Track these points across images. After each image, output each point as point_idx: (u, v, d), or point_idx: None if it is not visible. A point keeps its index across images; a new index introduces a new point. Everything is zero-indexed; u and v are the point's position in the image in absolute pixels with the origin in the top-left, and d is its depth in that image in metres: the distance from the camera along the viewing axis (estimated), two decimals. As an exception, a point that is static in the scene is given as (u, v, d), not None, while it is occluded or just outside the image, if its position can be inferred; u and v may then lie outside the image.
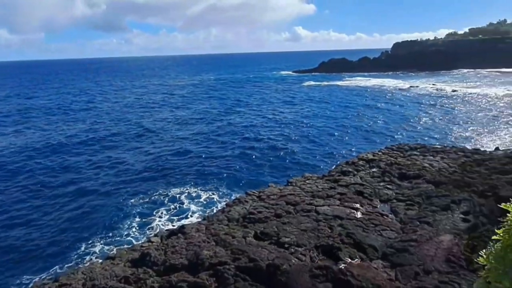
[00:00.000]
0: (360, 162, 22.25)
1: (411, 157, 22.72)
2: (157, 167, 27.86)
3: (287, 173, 25.72)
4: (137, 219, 19.71)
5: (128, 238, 17.89)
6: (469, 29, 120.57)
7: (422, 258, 11.60)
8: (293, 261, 11.69)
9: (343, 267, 11.04)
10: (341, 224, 14.31)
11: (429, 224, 14.01)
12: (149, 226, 18.94)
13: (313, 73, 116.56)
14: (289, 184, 19.90)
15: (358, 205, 16.13)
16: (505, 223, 1.39)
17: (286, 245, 12.87)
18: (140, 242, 16.58)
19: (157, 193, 22.96)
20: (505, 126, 36.59)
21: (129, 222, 19.38)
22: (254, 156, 30.08)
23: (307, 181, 19.87)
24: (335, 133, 37.27)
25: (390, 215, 15.58)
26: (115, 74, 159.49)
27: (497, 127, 36.73)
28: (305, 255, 12.18)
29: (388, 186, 18.47)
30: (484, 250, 1.51)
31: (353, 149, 31.23)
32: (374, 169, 20.98)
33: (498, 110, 45.37)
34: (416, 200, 16.50)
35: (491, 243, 1.50)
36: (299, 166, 27.71)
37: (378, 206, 16.57)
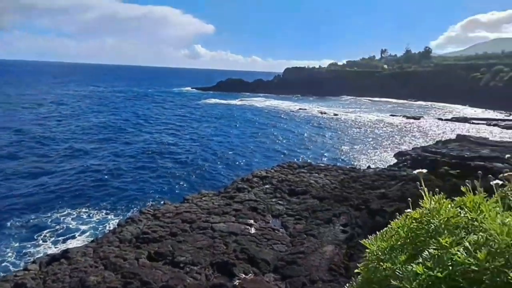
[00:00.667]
0: (255, 179, 23.20)
1: (299, 174, 24.61)
2: (41, 184, 24.53)
3: (184, 190, 25.29)
4: (15, 244, 16.85)
5: (1, 267, 15.15)
6: (347, 61, 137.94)
7: (308, 269, 12.55)
8: (188, 280, 11.46)
9: (237, 283, 11.24)
10: (236, 240, 14.62)
11: (315, 236, 15.29)
12: (28, 252, 16.35)
13: (211, 91, 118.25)
14: (186, 201, 19.58)
15: (252, 221, 16.73)
16: (365, 257, 1.50)
17: (182, 265, 12.57)
18: (15, 271, 14.18)
19: (42, 214, 20.07)
20: (375, 147, 42.43)
21: (3, 248, 16.44)
22: (150, 173, 28.83)
23: (203, 198, 19.85)
24: (232, 150, 38.22)
25: (281, 229, 16.53)
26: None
27: (369, 147, 42.34)
28: (200, 273, 12.06)
29: (279, 201, 19.62)
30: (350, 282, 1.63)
31: (248, 166, 32.40)
32: (267, 186, 22.09)
33: (370, 133, 52.40)
34: (303, 215, 17.87)
35: (353, 277, 1.64)
36: (196, 182, 27.53)
37: (271, 221, 17.44)
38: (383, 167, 29.29)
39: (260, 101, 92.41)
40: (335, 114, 69.98)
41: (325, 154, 39.06)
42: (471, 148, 28.81)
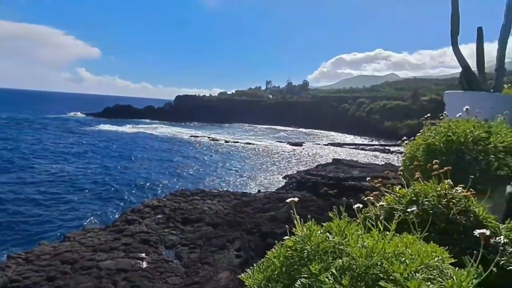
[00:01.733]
0: (146, 209, 22.14)
1: (192, 201, 24.41)
2: None
3: (65, 227, 22.49)
4: None
5: None
6: (235, 91, 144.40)
7: (204, 299, 12.42)
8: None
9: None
10: (126, 277, 13.63)
11: (210, 264, 15.25)
12: None
13: (98, 118, 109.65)
14: (66, 239, 17.50)
15: (143, 255, 15.85)
16: None
17: (60, 314, 11.11)
18: None
19: None
20: (265, 172, 44.78)
21: None
22: (22, 210, 24.88)
23: (88, 234, 18.03)
24: (122, 179, 35.79)
25: (175, 260, 16.03)
26: None
27: (259, 172, 44.46)
28: (83, 321, 10.83)
29: (172, 231, 19.07)
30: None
31: (139, 196, 30.70)
32: (159, 216, 21.29)
33: (260, 158, 55.17)
34: (198, 243, 17.70)
35: None
36: (79, 217, 24.76)
37: (164, 253, 16.79)
38: (272, 191, 31.08)
39: (151, 128, 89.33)
40: (226, 141, 71.84)
41: (217, 180, 39.57)
42: (344, 170, 32.82)
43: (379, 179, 2.26)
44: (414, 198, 1.99)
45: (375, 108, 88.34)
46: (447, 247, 1.47)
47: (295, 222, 1.54)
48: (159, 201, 23.95)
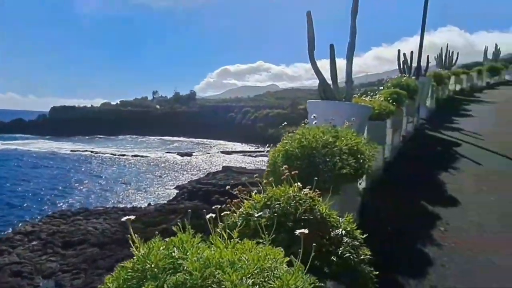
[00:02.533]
0: (17, 237, 19.65)
1: (74, 222, 22.53)
2: None
3: None
4: None
5: None
6: (120, 101, 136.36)
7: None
8: None
9: None
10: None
11: None
12: None
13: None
14: None
15: (16, 289, 14.15)
16: None
17: None
18: None
19: None
20: (156, 184, 43.52)
21: None
22: None
23: None
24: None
25: (56, 289, 14.72)
26: None
27: (149, 185, 43.00)
28: None
29: (51, 258, 17.40)
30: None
31: (8, 222, 26.70)
32: (34, 242, 19.11)
33: (150, 170, 53.32)
34: (82, 267, 16.54)
35: None
36: None
37: (41, 284, 15.25)
38: (164, 202, 30.59)
39: (24, 144, 77.94)
40: (113, 154, 67.44)
41: (105, 196, 36.99)
42: (234, 176, 34.35)
43: (239, 187, 2.47)
44: (268, 203, 2.08)
45: (259, 117, 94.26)
46: (293, 244, 1.60)
47: (131, 241, 1.47)
48: (33, 226, 21.46)
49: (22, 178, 43.42)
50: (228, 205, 2.17)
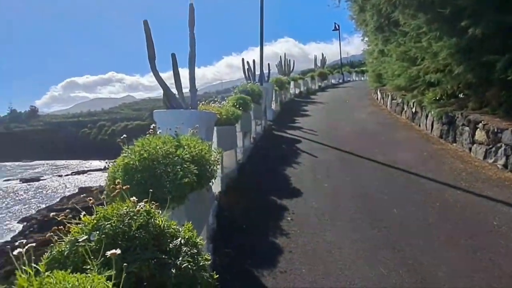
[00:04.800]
0: None
1: None
2: None
3: None
4: None
5: None
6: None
7: None
8: None
9: None
10: None
11: None
12: None
13: None
14: None
15: None
16: None
17: None
18: None
19: None
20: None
21: None
22: None
23: None
24: None
25: None
26: None
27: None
28: None
29: None
30: None
31: None
32: None
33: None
34: None
35: None
36: None
37: None
38: (4, 241, 25.56)
39: None
40: None
41: None
42: (93, 196, 31.18)
43: (66, 211, 2.20)
44: (100, 224, 1.92)
45: (117, 130, 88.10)
46: (128, 263, 1.56)
47: None
48: None
49: None
50: (52, 233, 1.92)
